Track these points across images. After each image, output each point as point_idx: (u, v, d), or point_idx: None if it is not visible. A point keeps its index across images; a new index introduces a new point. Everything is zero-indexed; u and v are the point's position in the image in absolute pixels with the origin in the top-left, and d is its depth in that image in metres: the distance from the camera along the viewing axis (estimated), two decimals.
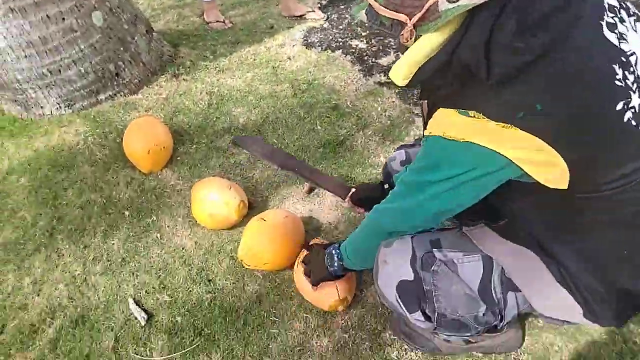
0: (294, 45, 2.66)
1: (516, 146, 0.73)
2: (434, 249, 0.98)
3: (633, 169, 0.78)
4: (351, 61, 2.50)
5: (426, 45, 0.75)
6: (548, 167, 0.75)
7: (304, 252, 1.43)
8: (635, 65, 0.76)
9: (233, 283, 1.52)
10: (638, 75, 0.76)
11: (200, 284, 1.52)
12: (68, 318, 1.44)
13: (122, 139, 1.94)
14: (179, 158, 1.96)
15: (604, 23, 0.75)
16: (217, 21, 2.93)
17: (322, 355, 1.35)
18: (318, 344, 1.37)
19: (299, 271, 1.40)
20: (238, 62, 2.55)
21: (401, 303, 1.00)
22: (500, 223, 1.00)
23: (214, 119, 2.16)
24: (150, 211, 1.75)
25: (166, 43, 2.61)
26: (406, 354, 1.34)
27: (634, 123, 0.75)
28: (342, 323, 1.41)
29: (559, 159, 0.73)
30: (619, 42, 0.75)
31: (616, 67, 0.73)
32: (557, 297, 0.93)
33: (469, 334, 1.05)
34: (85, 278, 1.55)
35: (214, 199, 1.61)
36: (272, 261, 1.48)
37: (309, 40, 2.71)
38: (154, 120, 1.93)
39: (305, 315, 1.43)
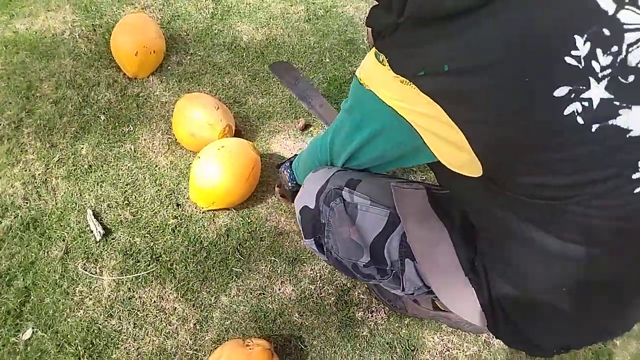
0: None
1: (415, 110, 0.60)
2: (345, 188, 0.90)
3: (572, 183, 0.57)
4: None
5: None
6: (451, 147, 0.60)
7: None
8: (630, 47, 0.51)
9: (203, 213, 1.40)
10: (623, 61, 0.51)
11: (167, 207, 1.40)
12: (19, 219, 1.33)
13: (110, 35, 1.75)
14: (169, 67, 1.79)
15: None
16: None
17: (283, 303, 1.26)
18: (281, 290, 1.28)
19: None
20: None
21: (301, 226, 0.99)
22: (443, 192, 0.90)
23: (215, 31, 1.96)
24: (128, 120, 1.61)
25: None
26: (372, 315, 1.25)
27: (580, 120, 0.52)
28: (311, 273, 1.31)
29: (462, 140, 0.57)
30: (619, 8, 0.50)
31: (580, 38, 0.50)
32: (459, 290, 0.81)
33: (357, 279, 1.00)
34: (45, 179, 1.43)
35: (198, 118, 1.46)
36: (219, 199, 1.34)
37: None
38: (147, 20, 1.73)
39: (273, 258, 1.33)
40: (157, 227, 1.36)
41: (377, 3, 0.68)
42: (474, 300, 0.81)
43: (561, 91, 0.52)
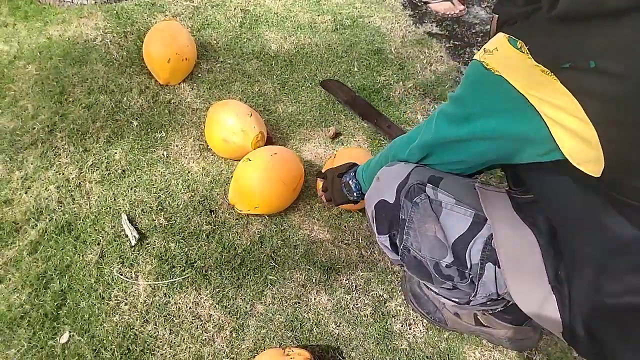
0: None
1: (550, 101, 0.58)
2: (429, 184, 0.87)
3: None
4: (403, 4, 2.26)
5: None
6: (580, 142, 0.59)
7: (320, 182, 1.32)
8: None
9: (236, 219, 1.39)
10: None
11: (201, 212, 1.40)
12: (54, 222, 1.33)
13: (142, 42, 1.77)
14: (200, 75, 1.79)
15: None
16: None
17: (319, 312, 1.24)
18: (316, 299, 1.26)
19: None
20: None
21: (374, 221, 0.95)
22: (524, 197, 0.86)
23: (245, 39, 1.97)
24: (160, 125, 1.61)
25: None
26: (410, 328, 1.23)
27: None
28: (346, 283, 1.29)
29: (594, 135, 0.57)
30: None
31: None
32: (540, 297, 0.78)
33: (430, 284, 0.96)
34: (79, 183, 1.43)
35: (231, 124, 1.46)
36: (263, 204, 1.34)
37: None
38: (179, 28, 1.74)
39: (307, 267, 1.31)
40: (191, 233, 1.35)
41: None
42: (554, 308, 0.78)
43: None
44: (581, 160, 0.62)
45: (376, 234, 0.96)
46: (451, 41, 2.09)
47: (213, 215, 1.40)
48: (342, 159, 1.32)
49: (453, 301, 1.01)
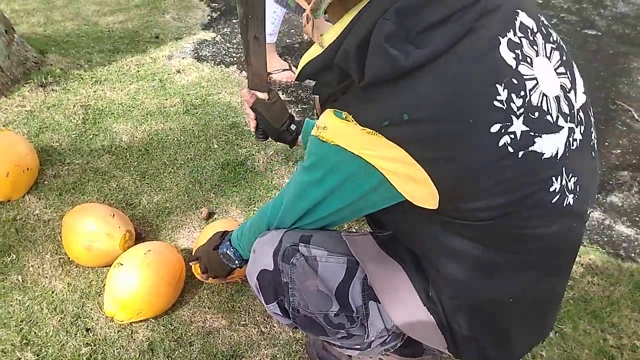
0: (183, 58, 2.46)
1: (382, 155, 0.69)
2: (300, 243, 0.92)
3: (507, 201, 0.70)
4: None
5: (325, 40, 0.75)
6: (415, 184, 0.70)
7: (196, 264, 1.26)
8: (531, 91, 0.69)
9: (118, 331, 1.27)
10: (529, 101, 0.69)
11: (76, 335, 1.25)
12: None
13: None
14: (46, 182, 1.65)
15: (504, 40, 0.69)
16: (283, 69, 2.40)
17: None
18: None
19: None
20: (119, 72, 2.27)
21: (260, 292, 0.97)
22: (385, 234, 0.97)
23: (91, 136, 1.87)
24: (8, 248, 1.43)
25: (31, 47, 2.24)
26: None
27: (510, 150, 0.67)
28: None
29: (424, 175, 0.68)
30: (517, 64, 0.69)
31: (500, 87, 0.66)
32: (421, 320, 0.89)
33: (328, 338, 0.99)
34: None
35: (93, 230, 1.35)
36: (146, 308, 1.26)
37: (200, 54, 2.52)
38: (14, 137, 1.60)
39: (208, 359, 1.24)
40: None
41: (315, 71, 0.78)
42: (435, 326, 0.89)
43: (495, 128, 0.67)
44: (419, 198, 0.72)
45: (265, 304, 0.98)
46: (299, 105, 2.23)
47: (91, 334, 1.26)
48: (208, 235, 1.31)
49: (355, 349, 1.03)
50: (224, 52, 2.57)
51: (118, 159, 1.78)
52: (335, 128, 0.73)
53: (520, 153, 0.68)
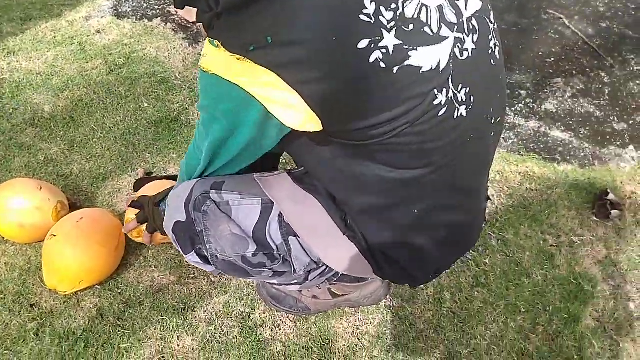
0: (102, 17, 2.30)
1: (255, 82, 0.66)
2: (212, 190, 0.91)
3: (392, 117, 0.68)
4: (173, 29, 2.24)
5: None
6: (292, 108, 0.67)
7: (133, 211, 1.20)
8: (404, 3, 0.66)
9: (64, 302, 1.25)
10: (402, 14, 0.66)
11: (20, 312, 1.22)
12: None
13: None
14: None
15: None
16: None
17: (187, 357, 1.18)
18: (181, 345, 1.20)
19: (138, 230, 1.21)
20: (33, 40, 2.12)
21: (177, 243, 0.97)
22: (300, 170, 0.97)
23: (10, 110, 1.76)
24: None
25: None
26: (279, 329, 1.24)
27: (383, 65, 0.65)
28: (205, 315, 1.25)
29: (298, 98, 0.66)
30: None
31: (367, 0, 0.63)
32: (342, 249, 0.90)
33: (254, 278, 1.02)
34: None
35: (22, 206, 1.30)
36: (87, 276, 1.23)
37: (120, 10, 2.36)
38: None
39: (160, 318, 1.24)
40: (16, 338, 1.17)
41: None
42: (357, 253, 0.90)
43: (363, 43, 0.63)
44: (301, 123, 0.69)
45: (183, 254, 0.98)
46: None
47: (36, 309, 1.23)
48: (148, 190, 1.26)
49: (294, 284, 1.05)
50: (145, 5, 2.41)
51: (43, 131, 1.69)
52: (211, 57, 0.70)
53: (395, 68, 0.66)
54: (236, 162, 0.86)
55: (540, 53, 2.03)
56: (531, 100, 1.83)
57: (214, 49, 0.69)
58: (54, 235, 1.22)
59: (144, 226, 1.16)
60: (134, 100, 1.84)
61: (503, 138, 1.71)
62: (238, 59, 0.66)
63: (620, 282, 1.38)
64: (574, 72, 1.93)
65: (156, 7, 2.41)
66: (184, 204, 0.93)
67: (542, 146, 1.68)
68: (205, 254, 0.95)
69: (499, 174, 1.61)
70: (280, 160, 1.51)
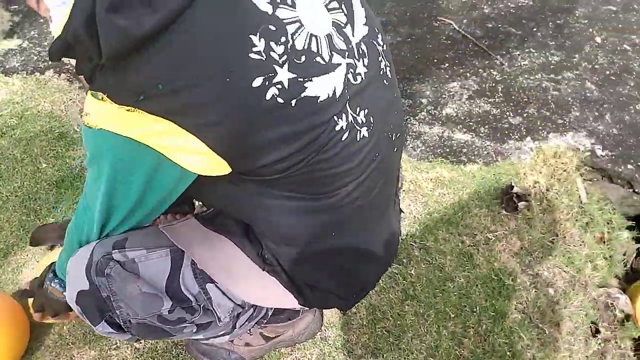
0: None
1: (150, 132, 0.65)
2: (114, 251, 0.86)
3: (297, 149, 0.69)
4: (68, 79, 2.14)
5: (55, 20, 0.69)
6: (194, 154, 0.66)
7: (30, 301, 1.08)
8: (294, 35, 0.66)
9: None
10: (293, 47, 0.66)
11: None
12: None
13: None
14: None
15: None
16: None
17: None
18: None
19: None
20: None
21: (84, 315, 0.90)
22: (209, 212, 0.96)
23: None
24: None
25: None
26: None
27: (280, 100, 0.65)
28: None
29: (199, 143, 0.65)
30: (274, 8, 0.65)
31: (255, 37, 0.63)
32: (264, 286, 0.90)
33: (176, 337, 0.96)
34: None
35: None
36: None
37: (7, 66, 2.23)
38: None
39: None
40: None
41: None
42: (280, 286, 0.89)
43: (257, 82, 0.63)
44: (207, 168, 0.68)
45: (93, 327, 0.91)
46: None
47: None
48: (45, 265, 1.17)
49: (223, 335, 1.01)
50: (35, 57, 2.29)
51: None
52: (96, 111, 0.66)
53: (293, 102, 0.66)
54: (137, 216, 0.82)
55: (436, 60, 2.12)
56: (432, 107, 1.91)
57: (99, 102, 0.66)
58: None
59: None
60: (31, 162, 1.72)
61: (412, 147, 1.77)
62: (128, 110, 0.63)
63: (538, 270, 1.46)
64: (468, 74, 2.03)
65: (47, 58, 2.29)
66: (85, 270, 0.86)
67: (448, 150, 1.75)
68: (118, 321, 0.89)
69: (412, 183, 1.66)
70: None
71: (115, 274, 0.85)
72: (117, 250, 0.86)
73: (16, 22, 2.59)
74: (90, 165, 0.75)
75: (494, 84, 1.98)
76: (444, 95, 1.95)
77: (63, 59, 0.68)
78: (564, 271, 1.44)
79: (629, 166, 1.61)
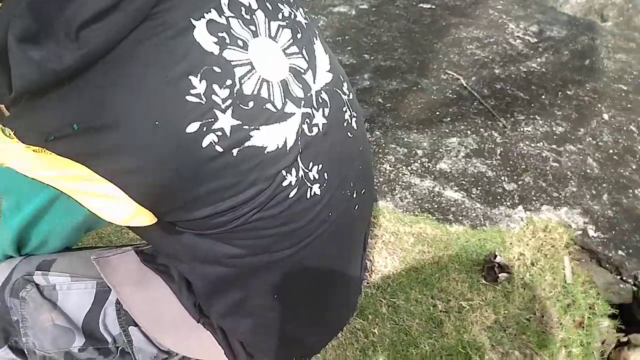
0: None
1: (61, 176, 0.57)
2: (37, 271, 0.80)
3: (235, 204, 0.61)
4: None
5: None
6: (111, 200, 0.59)
7: None
8: (242, 79, 0.59)
9: None
10: (240, 91, 0.59)
11: None
12: None
13: None
14: None
15: (200, 22, 0.57)
16: None
17: None
18: None
19: None
20: None
21: None
22: (150, 247, 0.88)
23: None
24: None
25: None
26: None
27: (219, 149, 0.57)
28: None
29: (118, 191, 0.57)
30: (222, 49, 0.58)
31: (195, 78, 0.56)
32: (196, 338, 0.82)
33: None
34: None
35: None
36: None
37: None
38: None
39: None
40: None
41: None
42: (213, 343, 0.82)
43: (192, 127, 0.56)
44: (127, 218, 0.61)
45: None
46: None
47: None
48: None
49: None
50: None
51: None
52: (3, 148, 0.59)
53: (235, 151, 0.59)
54: (47, 247, 0.77)
55: (438, 113, 2.09)
56: (427, 160, 1.85)
57: (6, 139, 0.58)
58: None
59: None
60: None
61: (399, 197, 1.71)
62: (35, 150, 0.56)
63: (509, 349, 1.37)
64: (469, 132, 1.99)
65: None
66: (0, 288, 0.80)
67: (436, 206, 1.69)
68: (22, 347, 0.81)
69: (393, 235, 1.59)
70: None
71: (30, 298, 0.79)
72: (40, 272, 0.80)
73: None
74: (2, 195, 0.71)
75: (493, 146, 1.94)
76: (440, 149, 1.90)
77: None
78: (536, 354, 1.35)
79: (620, 252, 1.54)
